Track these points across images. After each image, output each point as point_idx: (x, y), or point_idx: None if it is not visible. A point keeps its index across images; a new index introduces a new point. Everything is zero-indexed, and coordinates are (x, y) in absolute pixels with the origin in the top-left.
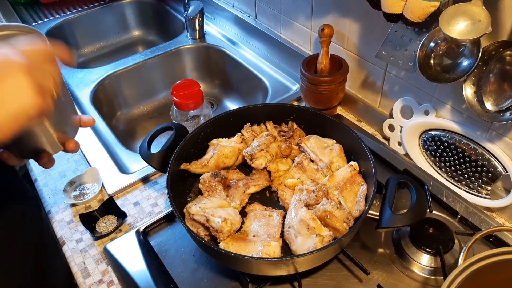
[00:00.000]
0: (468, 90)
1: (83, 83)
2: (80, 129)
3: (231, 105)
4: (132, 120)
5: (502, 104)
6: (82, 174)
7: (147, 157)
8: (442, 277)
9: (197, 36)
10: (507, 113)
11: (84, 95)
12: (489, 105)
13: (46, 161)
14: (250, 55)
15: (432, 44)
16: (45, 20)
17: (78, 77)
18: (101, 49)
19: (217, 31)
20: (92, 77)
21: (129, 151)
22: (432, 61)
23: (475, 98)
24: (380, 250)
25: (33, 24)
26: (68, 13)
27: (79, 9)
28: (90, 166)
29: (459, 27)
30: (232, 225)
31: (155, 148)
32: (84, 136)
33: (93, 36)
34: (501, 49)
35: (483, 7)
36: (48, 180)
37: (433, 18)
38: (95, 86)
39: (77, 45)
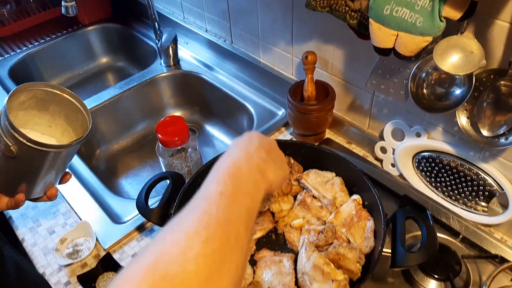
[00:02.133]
0: (462, 118)
1: None
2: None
3: (213, 130)
4: (113, 157)
5: (497, 130)
6: (73, 230)
7: (146, 214)
8: None
9: (172, 63)
10: (502, 139)
11: None
12: (484, 132)
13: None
14: (229, 80)
15: (423, 74)
16: (6, 56)
17: None
18: (68, 80)
19: (191, 56)
20: None
21: (118, 197)
22: (424, 91)
23: (469, 124)
24: (390, 279)
25: None
26: (30, 46)
27: (41, 41)
28: (79, 218)
29: (452, 60)
30: (246, 280)
31: (152, 193)
32: (68, 186)
33: (58, 68)
34: (492, 76)
35: (475, 39)
36: (36, 239)
37: (423, 49)
38: None
39: (42, 79)
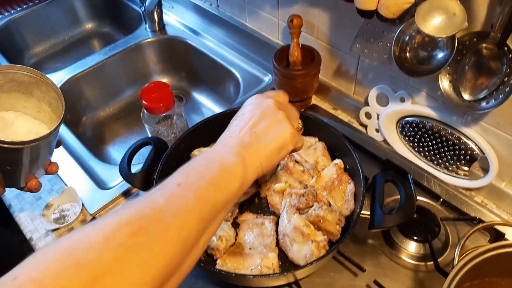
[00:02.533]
0: (445, 82)
1: None
2: None
3: (201, 97)
4: (99, 124)
5: (478, 94)
6: (59, 195)
7: (129, 179)
8: (432, 262)
9: (157, 28)
10: (483, 103)
11: None
12: (466, 96)
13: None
14: (215, 45)
15: (406, 37)
16: None
17: None
18: (53, 47)
19: (177, 20)
20: None
21: (104, 163)
22: (407, 54)
23: (451, 88)
24: (370, 241)
25: None
26: (13, 12)
27: (24, 6)
28: (65, 184)
29: (434, 22)
30: (228, 241)
31: (135, 160)
32: (54, 152)
33: (43, 34)
34: (474, 39)
35: (457, 1)
36: (23, 205)
37: (407, 12)
38: None
39: (27, 46)
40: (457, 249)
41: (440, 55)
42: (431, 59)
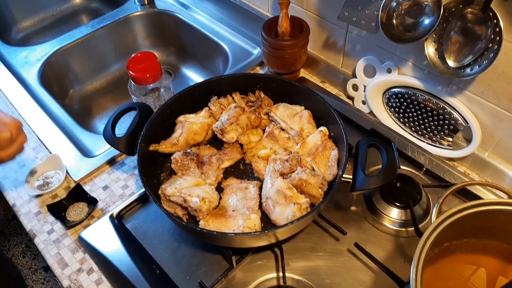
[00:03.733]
0: (430, 48)
1: (28, 63)
2: (33, 114)
3: (190, 72)
4: (87, 97)
5: (463, 60)
6: (43, 163)
7: (113, 142)
8: (413, 228)
9: (146, 2)
10: (468, 69)
11: (31, 76)
12: (450, 62)
13: None
14: (205, 19)
15: (393, 4)
16: None
17: (21, 56)
18: (41, 22)
19: None
20: (37, 55)
21: (89, 133)
22: (394, 21)
23: (436, 55)
24: (353, 208)
25: None
26: None
27: None
28: (50, 153)
29: None
30: (211, 203)
31: (120, 129)
32: (38, 121)
33: (31, 9)
34: (461, 6)
35: None
36: (7, 172)
37: None
38: (42, 65)
39: (14, 20)
40: (434, 208)
41: (427, 21)
42: (418, 25)
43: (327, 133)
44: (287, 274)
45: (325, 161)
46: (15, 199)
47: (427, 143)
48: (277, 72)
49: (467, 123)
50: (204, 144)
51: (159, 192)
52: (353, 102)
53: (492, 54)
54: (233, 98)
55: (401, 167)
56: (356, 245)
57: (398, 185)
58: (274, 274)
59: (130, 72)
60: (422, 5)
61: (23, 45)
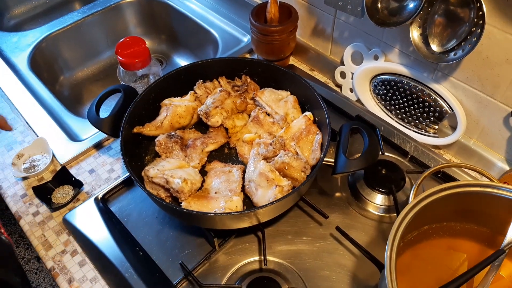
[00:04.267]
0: (415, 33)
1: (19, 48)
2: (22, 99)
3: (181, 61)
4: (77, 84)
5: (446, 45)
6: (30, 146)
7: (97, 123)
8: (395, 214)
9: None
10: (451, 54)
11: (21, 61)
12: (434, 47)
13: None
14: (196, 6)
15: None
16: None
17: (12, 41)
18: (34, 9)
19: None
20: (28, 40)
21: (77, 117)
22: (379, 5)
23: (421, 41)
24: (337, 194)
25: None
26: None
27: None
28: (37, 136)
29: None
30: (193, 185)
31: (104, 112)
32: (26, 105)
33: None
34: None
35: None
36: None
37: None
38: (32, 50)
39: (6, 7)
40: (412, 190)
41: (411, 5)
42: (402, 9)
43: (312, 118)
44: (269, 258)
45: (309, 145)
46: (2, 181)
47: (413, 131)
48: (266, 59)
49: (452, 110)
50: (189, 128)
51: (142, 174)
52: (341, 89)
53: (475, 38)
54: (219, 82)
55: (386, 153)
56: (338, 228)
57: (382, 171)
58: (257, 258)
59: (119, 57)
60: None
61: (14, 31)
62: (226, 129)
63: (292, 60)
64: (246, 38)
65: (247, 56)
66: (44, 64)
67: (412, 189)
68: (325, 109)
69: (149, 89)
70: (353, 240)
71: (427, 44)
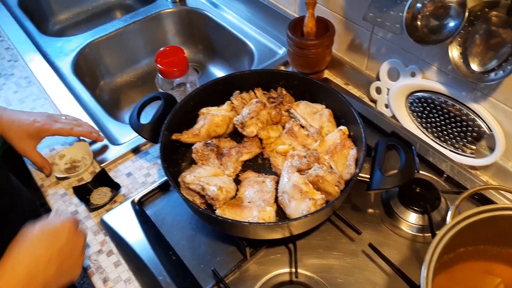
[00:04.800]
0: (454, 52)
1: (63, 53)
2: (65, 102)
3: (216, 70)
4: (116, 90)
5: (487, 65)
6: (72, 147)
7: (138, 128)
8: (430, 234)
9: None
10: (492, 74)
11: (64, 65)
12: (474, 66)
13: None
14: (233, 18)
15: (418, 5)
16: None
17: (56, 46)
18: (77, 15)
19: None
20: (72, 45)
21: (117, 122)
22: (419, 23)
23: (461, 59)
24: (370, 210)
25: None
26: None
27: None
28: (79, 138)
29: None
30: (227, 193)
31: (144, 118)
32: (70, 109)
33: (68, 2)
34: (486, 9)
35: None
36: None
37: None
38: (76, 55)
39: (52, 12)
40: (450, 211)
41: (451, 23)
42: (442, 28)
43: (347, 132)
44: (299, 270)
45: (343, 160)
46: (43, 180)
47: (449, 150)
48: (301, 72)
49: (491, 131)
50: (225, 137)
51: (179, 179)
52: (376, 105)
53: None
54: (255, 93)
55: (421, 172)
56: (371, 245)
57: (417, 190)
58: (287, 269)
59: (158, 65)
60: (447, 7)
61: (58, 36)
62: (261, 140)
63: (327, 74)
64: (281, 51)
65: (282, 68)
66: (86, 69)
67: (450, 210)
68: (361, 124)
69: (188, 98)
70: (386, 258)
71: (467, 63)
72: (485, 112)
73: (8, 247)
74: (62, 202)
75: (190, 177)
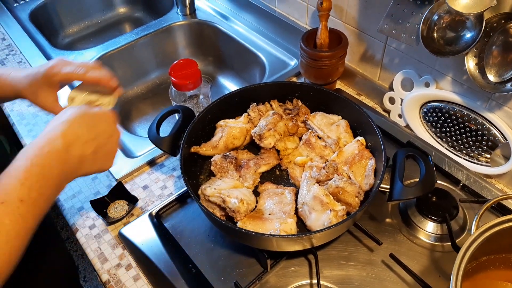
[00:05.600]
0: (471, 63)
1: None
2: None
3: (226, 82)
4: (127, 102)
5: (504, 75)
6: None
7: (157, 141)
8: (449, 243)
9: (188, 12)
10: (509, 84)
11: None
12: (491, 77)
13: None
14: (244, 30)
15: (435, 17)
16: (27, 0)
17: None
18: (87, 28)
19: (208, 6)
20: (84, 58)
21: (131, 135)
22: (435, 34)
23: (477, 70)
24: (388, 220)
25: (15, 5)
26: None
27: None
28: None
29: (464, 0)
30: (248, 205)
31: (162, 131)
32: None
33: (77, 15)
34: (503, 21)
35: None
36: None
37: None
38: None
39: (62, 25)
40: (474, 221)
41: (468, 35)
42: (459, 39)
43: (364, 143)
44: (321, 282)
45: (362, 170)
46: (60, 194)
47: (464, 159)
48: (314, 82)
49: (506, 140)
50: (242, 149)
51: (199, 192)
52: (389, 115)
53: None
54: (271, 105)
55: (438, 181)
56: (392, 256)
57: (434, 199)
58: (308, 281)
59: (172, 78)
60: (464, 19)
61: (68, 49)
62: (278, 151)
63: (339, 84)
64: (293, 62)
65: (294, 79)
66: None
67: (474, 219)
68: (380, 134)
69: (205, 111)
70: (407, 268)
71: (483, 73)
72: (500, 121)
73: (49, 123)
74: (79, 216)
75: (210, 189)
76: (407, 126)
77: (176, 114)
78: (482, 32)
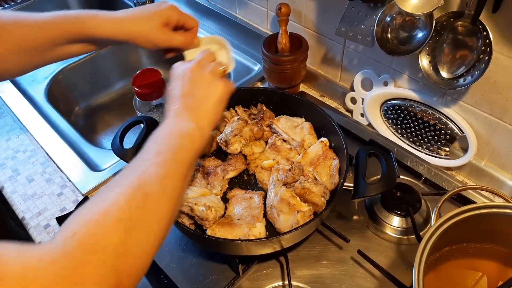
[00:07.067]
0: (424, 61)
1: (35, 81)
2: (41, 130)
3: None
4: (92, 114)
5: (456, 71)
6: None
7: (121, 154)
8: (414, 236)
9: None
10: (461, 80)
11: (38, 93)
12: (444, 73)
13: None
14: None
15: (388, 19)
16: None
17: (28, 74)
18: None
19: None
20: (44, 73)
21: (96, 148)
22: (389, 35)
23: (430, 67)
24: (355, 217)
25: None
26: (7, 6)
27: (18, 0)
28: (58, 167)
29: (413, 1)
30: (217, 212)
31: (128, 142)
32: (46, 137)
33: None
34: (452, 20)
35: None
36: (16, 187)
37: None
38: (49, 82)
39: None
40: (433, 213)
41: (420, 34)
42: (411, 39)
43: (328, 144)
44: (292, 282)
45: (327, 170)
46: (24, 212)
47: (425, 153)
48: (278, 86)
49: (463, 133)
50: (209, 156)
51: None
52: (352, 114)
53: (483, 65)
54: (235, 111)
55: (401, 176)
56: (359, 252)
57: (398, 194)
58: (280, 283)
59: (135, 88)
60: (415, 19)
61: None
62: (245, 156)
63: (303, 87)
64: (256, 67)
65: (259, 84)
66: (60, 95)
67: (433, 212)
68: (342, 135)
69: None
70: (375, 263)
71: (436, 70)
72: (456, 115)
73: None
74: (46, 234)
75: None
76: (370, 124)
77: (141, 125)
78: (432, 31)
